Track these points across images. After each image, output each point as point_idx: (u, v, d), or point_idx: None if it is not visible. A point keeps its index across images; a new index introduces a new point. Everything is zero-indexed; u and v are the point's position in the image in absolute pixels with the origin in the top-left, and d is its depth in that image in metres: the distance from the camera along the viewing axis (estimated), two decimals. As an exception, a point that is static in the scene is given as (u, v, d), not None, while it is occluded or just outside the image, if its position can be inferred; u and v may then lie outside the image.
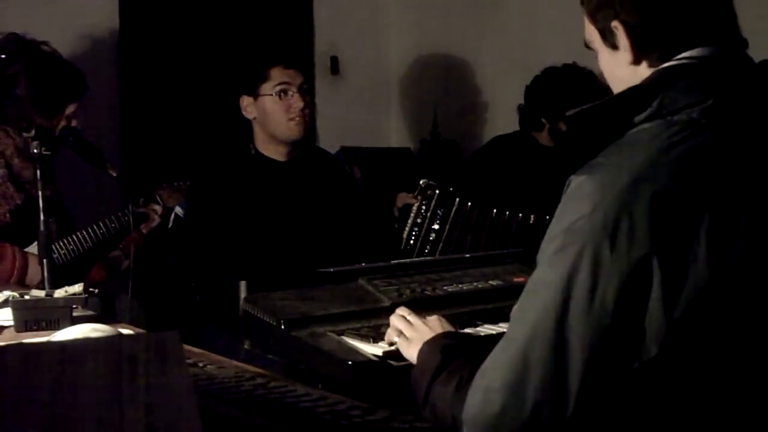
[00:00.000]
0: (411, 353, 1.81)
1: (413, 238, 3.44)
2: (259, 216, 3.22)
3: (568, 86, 3.86)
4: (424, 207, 3.45)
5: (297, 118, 3.28)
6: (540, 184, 3.71)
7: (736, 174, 1.40)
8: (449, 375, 1.59)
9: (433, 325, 1.86)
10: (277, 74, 3.29)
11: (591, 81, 3.84)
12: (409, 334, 1.86)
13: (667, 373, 1.37)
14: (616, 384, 1.37)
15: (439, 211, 3.43)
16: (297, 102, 3.27)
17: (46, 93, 3.28)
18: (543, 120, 3.91)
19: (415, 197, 3.48)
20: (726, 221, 1.37)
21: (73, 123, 3.34)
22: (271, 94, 3.27)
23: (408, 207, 3.50)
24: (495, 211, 3.44)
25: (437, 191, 3.44)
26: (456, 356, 1.64)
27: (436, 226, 3.43)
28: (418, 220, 3.45)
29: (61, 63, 3.39)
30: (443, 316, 2.17)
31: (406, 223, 3.47)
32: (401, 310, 1.96)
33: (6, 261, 3.13)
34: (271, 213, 3.24)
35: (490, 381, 1.41)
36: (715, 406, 1.39)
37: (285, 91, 3.28)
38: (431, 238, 3.42)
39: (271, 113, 3.28)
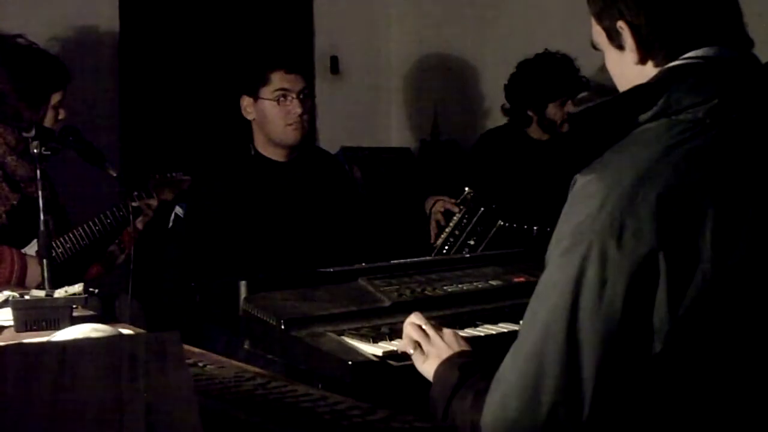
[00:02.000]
0: (426, 369, 1.80)
1: (446, 247, 3.41)
2: (259, 216, 3.22)
3: (543, 74, 3.88)
4: (465, 220, 3.42)
5: (294, 124, 3.28)
6: (533, 177, 3.71)
7: (740, 173, 1.40)
8: (467, 390, 1.60)
9: (449, 341, 1.84)
10: (278, 79, 3.29)
11: (567, 64, 3.85)
12: (426, 348, 1.85)
13: (671, 369, 1.37)
14: (628, 381, 1.37)
15: (478, 228, 3.40)
16: (295, 108, 3.27)
17: (28, 84, 3.23)
18: (529, 113, 3.92)
19: (458, 205, 3.45)
20: (730, 219, 1.37)
21: (61, 114, 3.29)
22: (271, 99, 3.27)
23: (449, 213, 3.48)
24: (535, 229, 3.38)
25: (482, 208, 3.40)
26: (473, 373, 1.65)
27: (471, 242, 3.39)
28: (456, 232, 3.41)
29: (40, 53, 3.33)
30: (443, 316, 2.18)
31: (443, 230, 3.44)
32: (416, 318, 1.94)
33: (5, 264, 3.11)
34: (271, 213, 3.24)
35: (506, 386, 1.42)
36: (719, 402, 1.39)
37: (284, 96, 3.28)
38: (464, 252, 3.39)
39: (269, 117, 3.29)
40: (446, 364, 1.74)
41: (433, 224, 3.49)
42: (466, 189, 3.45)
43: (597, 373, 1.35)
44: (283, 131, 3.29)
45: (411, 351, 1.88)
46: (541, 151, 3.85)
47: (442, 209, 3.49)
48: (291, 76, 3.30)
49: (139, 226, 3.38)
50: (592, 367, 1.35)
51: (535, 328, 1.40)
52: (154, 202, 3.43)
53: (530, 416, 1.38)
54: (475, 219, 3.40)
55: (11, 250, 3.14)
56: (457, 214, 3.41)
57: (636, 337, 1.36)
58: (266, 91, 3.28)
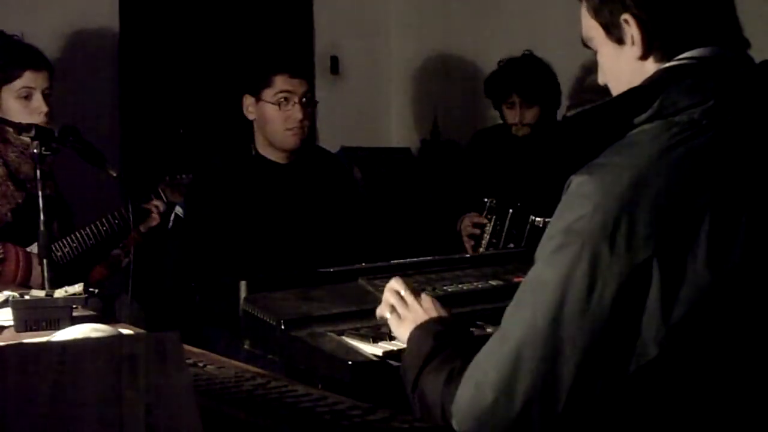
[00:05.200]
0: (402, 333, 1.82)
1: None
2: (259, 216, 3.22)
3: (488, 80, 3.88)
4: (498, 225, 3.42)
5: (294, 129, 3.28)
6: (518, 174, 3.72)
7: (736, 175, 1.40)
8: (441, 364, 1.59)
9: (427, 307, 1.85)
10: (281, 82, 3.28)
11: (510, 67, 3.83)
12: (402, 312, 1.86)
13: (667, 375, 1.37)
14: (614, 385, 1.37)
15: (513, 231, 3.39)
16: (296, 113, 3.27)
17: None
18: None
19: (486, 217, 3.45)
20: (726, 222, 1.36)
21: (36, 105, 3.22)
22: (272, 102, 3.27)
23: (480, 227, 3.48)
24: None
25: (510, 209, 3.40)
26: (448, 344, 1.65)
27: (511, 245, 3.39)
28: (494, 240, 3.42)
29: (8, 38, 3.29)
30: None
31: (480, 242, 3.44)
32: (396, 283, 1.94)
33: (10, 263, 3.12)
34: (271, 213, 3.24)
35: (482, 375, 1.42)
36: (715, 407, 1.39)
37: (286, 100, 3.27)
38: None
39: (270, 120, 3.28)
40: (421, 330, 1.74)
41: (465, 239, 3.51)
42: (486, 199, 3.46)
43: (575, 374, 1.35)
44: (282, 135, 3.28)
45: (387, 315, 1.89)
46: (523, 147, 3.84)
47: (471, 224, 3.50)
48: (294, 80, 3.29)
49: (142, 229, 3.39)
50: (572, 367, 1.35)
51: (518, 322, 1.40)
52: (161, 204, 3.44)
53: (503, 409, 1.38)
54: (507, 222, 3.41)
55: (16, 248, 3.14)
56: (489, 224, 3.43)
57: (620, 340, 1.35)
58: (268, 94, 3.28)
